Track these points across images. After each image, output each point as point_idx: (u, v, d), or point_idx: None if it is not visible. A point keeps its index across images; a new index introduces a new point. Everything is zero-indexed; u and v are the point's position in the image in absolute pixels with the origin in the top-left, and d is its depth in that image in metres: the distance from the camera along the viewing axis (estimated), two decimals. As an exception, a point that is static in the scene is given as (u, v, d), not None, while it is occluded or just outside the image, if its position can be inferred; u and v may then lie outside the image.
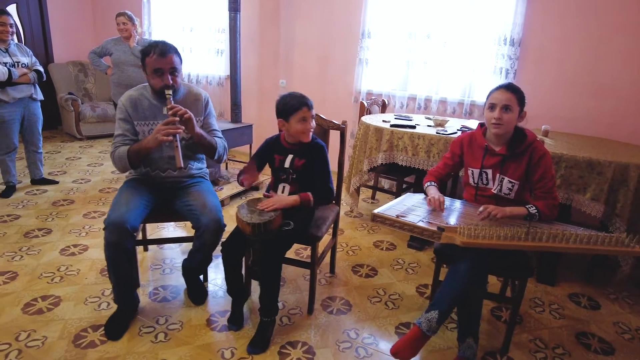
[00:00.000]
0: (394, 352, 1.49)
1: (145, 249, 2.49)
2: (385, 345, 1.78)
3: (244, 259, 1.91)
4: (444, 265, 1.97)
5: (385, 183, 3.69)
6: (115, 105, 3.69)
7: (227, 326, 1.85)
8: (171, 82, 1.77)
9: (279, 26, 4.18)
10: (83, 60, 5.41)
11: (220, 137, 1.98)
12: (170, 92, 1.76)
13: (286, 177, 1.85)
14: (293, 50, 4.17)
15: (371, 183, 3.40)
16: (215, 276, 2.25)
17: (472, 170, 1.80)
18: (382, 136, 2.63)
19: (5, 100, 3.00)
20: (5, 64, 2.95)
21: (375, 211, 1.63)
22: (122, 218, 1.67)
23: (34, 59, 3.19)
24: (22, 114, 3.16)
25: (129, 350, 1.68)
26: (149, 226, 2.60)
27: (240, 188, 3.38)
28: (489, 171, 1.74)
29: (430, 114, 3.41)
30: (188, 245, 2.53)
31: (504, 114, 1.64)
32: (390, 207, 1.69)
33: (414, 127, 2.63)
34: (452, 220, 1.62)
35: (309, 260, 2.08)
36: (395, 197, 2.99)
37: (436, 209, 1.67)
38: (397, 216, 1.58)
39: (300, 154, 1.82)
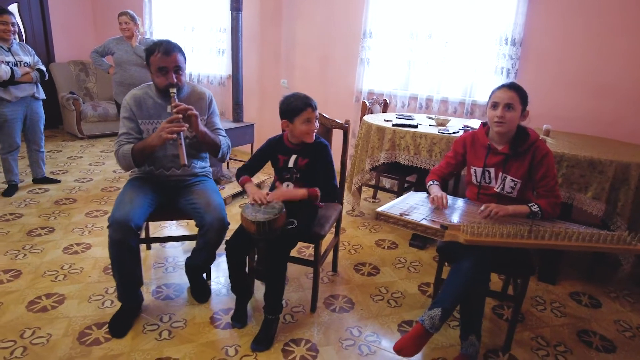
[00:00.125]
0: (397, 349, 1.50)
1: (148, 248, 2.50)
2: (388, 343, 1.79)
3: (247, 257, 1.91)
4: (446, 264, 1.98)
5: (386, 182, 3.70)
6: (117, 104, 3.70)
7: (230, 324, 1.86)
8: (175, 80, 1.78)
9: (281, 26, 4.19)
10: (84, 60, 5.41)
11: (224, 136, 1.99)
12: (175, 90, 1.77)
13: (290, 177, 1.86)
14: (294, 50, 4.18)
15: (372, 182, 3.41)
16: (218, 274, 2.26)
17: (474, 169, 1.81)
18: (385, 135, 2.64)
19: (8, 99, 3.01)
20: (7, 63, 2.96)
21: (379, 209, 1.64)
22: (127, 216, 1.68)
23: (36, 58, 3.20)
24: (24, 113, 3.17)
25: (134, 348, 1.69)
26: (151, 225, 2.61)
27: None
28: (492, 170, 1.75)
29: (432, 114, 3.42)
30: (190, 244, 2.55)
31: (506, 113, 1.65)
32: (394, 206, 1.70)
33: (416, 126, 2.65)
34: (455, 219, 1.63)
35: (311, 258, 2.09)
36: (397, 196, 3.00)
37: (439, 206, 1.68)
38: (401, 214, 1.59)
39: (304, 153, 1.83)
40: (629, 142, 2.69)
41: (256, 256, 1.98)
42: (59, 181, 3.52)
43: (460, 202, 1.82)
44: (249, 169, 1.92)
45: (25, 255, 2.34)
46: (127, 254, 1.72)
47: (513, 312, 1.76)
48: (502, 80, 3.16)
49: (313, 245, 1.96)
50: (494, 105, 1.69)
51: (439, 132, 2.50)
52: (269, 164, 1.96)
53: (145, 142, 1.76)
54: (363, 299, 2.12)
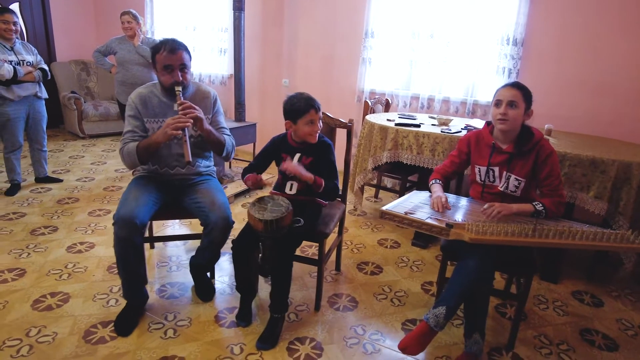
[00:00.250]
0: (402, 347, 1.51)
1: (152, 247, 2.50)
2: (392, 341, 1.80)
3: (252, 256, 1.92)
4: (448, 263, 1.99)
5: (388, 182, 3.71)
6: (119, 103, 3.70)
7: (235, 322, 1.87)
8: (181, 78, 1.79)
9: (283, 25, 4.20)
10: (85, 59, 5.42)
11: (229, 135, 2.00)
12: (180, 88, 1.78)
13: (294, 176, 1.86)
14: (296, 50, 4.19)
15: (375, 181, 3.42)
16: (223, 273, 2.27)
17: (479, 168, 1.82)
18: (387, 135, 2.65)
19: (11, 99, 3.01)
20: (10, 62, 2.96)
21: (384, 208, 1.64)
22: (132, 213, 1.69)
23: (38, 57, 3.20)
24: (27, 112, 3.17)
25: (139, 346, 1.69)
26: (154, 224, 2.62)
27: (245, 186, 3.40)
28: (496, 169, 1.76)
29: (433, 113, 3.44)
30: (193, 243, 2.55)
31: (509, 110, 1.67)
32: (398, 205, 1.70)
33: (418, 125, 2.65)
34: (459, 217, 1.64)
35: (315, 257, 2.10)
36: (399, 196, 3.02)
37: (440, 210, 1.68)
38: (406, 213, 1.60)
39: (308, 152, 1.84)
40: (630, 142, 2.71)
41: (260, 254, 1.99)
42: (61, 180, 3.53)
43: (464, 201, 1.83)
44: (254, 169, 1.93)
45: (29, 254, 2.34)
46: (131, 251, 1.72)
47: (516, 311, 1.77)
48: (504, 80, 3.17)
49: (316, 244, 1.97)
50: (498, 103, 1.70)
51: (441, 132, 2.51)
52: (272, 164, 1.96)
53: (150, 139, 1.77)
54: (367, 298, 2.12)
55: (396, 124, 2.66)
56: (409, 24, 3.49)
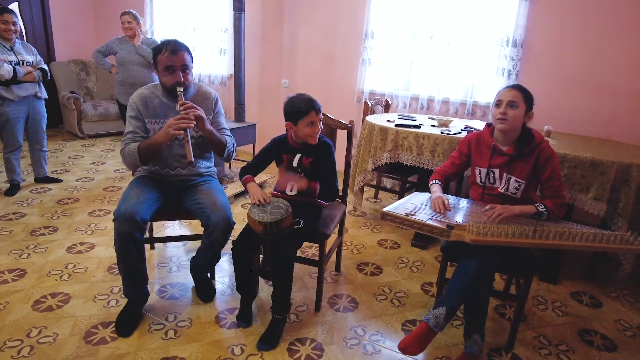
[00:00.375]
0: (402, 347, 1.52)
1: (152, 247, 2.50)
2: (392, 342, 1.81)
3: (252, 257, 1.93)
4: (448, 264, 2.00)
5: (387, 182, 3.72)
6: (118, 103, 3.70)
7: (236, 323, 1.87)
8: (182, 79, 1.79)
9: (283, 26, 4.20)
10: (85, 59, 5.41)
11: (230, 136, 2.00)
12: (182, 89, 1.78)
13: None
14: (296, 50, 4.19)
15: (374, 182, 3.42)
16: (223, 274, 2.27)
17: (479, 170, 1.83)
18: (387, 136, 2.66)
19: (10, 99, 3.01)
20: (10, 62, 2.95)
21: (385, 209, 1.65)
22: (133, 209, 1.69)
23: (38, 57, 3.20)
24: (26, 112, 3.17)
25: (140, 347, 1.70)
26: (154, 225, 2.62)
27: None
28: (496, 170, 1.77)
29: (433, 114, 3.44)
30: (193, 244, 2.56)
31: (509, 110, 1.68)
32: (399, 206, 1.71)
33: (418, 126, 2.66)
34: (460, 219, 1.65)
35: (315, 258, 2.10)
36: (399, 196, 3.03)
37: (440, 211, 1.69)
38: (407, 214, 1.60)
39: (308, 153, 1.85)
40: (630, 143, 2.72)
41: (261, 256, 1.99)
42: (60, 180, 3.53)
43: (464, 203, 1.84)
44: (253, 168, 1.93)
45: (29, 254, 2.34)
46: (132, 247, 1.72)
47: (516, 312, 1.78)
48: (503, 81, 3.19)
49: (317, 244, 1.98)
50: (498, 104, 1.72)
51: (441, 133, 2.52)
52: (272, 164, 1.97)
53: (152, 139, 1.77)
54: (367, 299, 2.13)
55: (396, 125, 2.67)
56: (409, 24, 3.50)
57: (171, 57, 1.76)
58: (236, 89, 3.75)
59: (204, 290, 2.05)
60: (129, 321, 1.80)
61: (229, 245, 1.89)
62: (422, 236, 2.67)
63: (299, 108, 1.75)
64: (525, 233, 1.49)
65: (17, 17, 3.05)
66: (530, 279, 1.73)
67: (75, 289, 2.05)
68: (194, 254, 2.02)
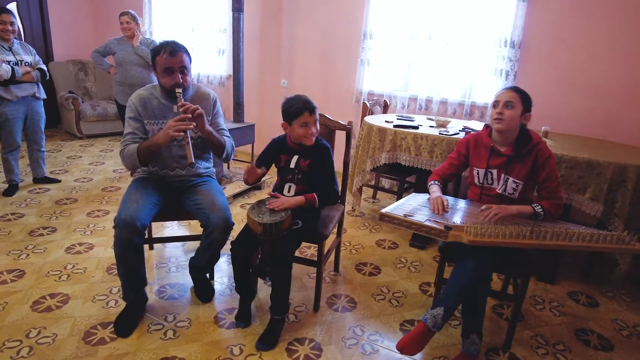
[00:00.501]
0: (400, 347, 1.53)
1: (151, 248, 2.51)
2: (391, 342, 1.82)
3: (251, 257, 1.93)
4: (446, 264, 2.01)
5: (385, 183, 3.73)
6: (117, 104, 3.70)
7: (235, 323, 1.88)
8: (181, 80, 1.80)
9: (281, 26, 4.20)
10: (83, 59, 5.40)
11: (228, 136, 2.01)
12: (180, 90, 1.78)
13: (292, 177, 1.88)
14: (295, 51, 4.20)
15: (372, 183, 3.43)
16: (222, 274, 2.28)
17: (477, 170, 1.84)
18: (386, 136, 2.67)
19: (9, 99, 3.00)
20: (8, 62, 2.95)
21: (383, 210, 1.66)
22: (133, 215, 1.70)
23: (37, 57, 3.20)
24: (25, 112, 3.17)
25: (139, 347, 1.70)
26: (153, 225, 2.62)
27: (243, 187, 3.42)
28: (494, 171, 1.78)
29: (431, 115, 3.45)
30: (192, 244, 2.56)
31: (505, 110, 1.70)
32: (397, 207, 1.72)
33: (417, 127, 2.67)
34: (458, 220, 1.66)
35: (313, 258, 2.11)
36: (397, 197, 3.04)
37: (439, 212, 1.70)
38: (405, 215, 1.61)
39: (306, 154, 1.85)
40: (626, 144, 2.73)
41: (260, 255, 2.00)
42: (59, 181, 3.52)
43: (462, 203, 1.85)
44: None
45: (28, 255, 2.34)
46: (132, 252, 1.73)
47: (513, 312, 1.79)
48: (501, 81, 3.20)
49: (315, 245, 1.98)
50: (495, 104, 1.75)
51: (439, 134, 2.53)
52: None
53: (151, 140, 1.78)
54: (365, 299, 2.14)
55: (394, 126, 2.68)
56: (408, 25, 3.50)
57: (170, 58, 1.76)
58: (235, 90, 3.75)
59: (203, 290, 2.05)
60: (127, 322, 1.81)
61: (227, 246, 1.89)
62: (421, 236, 2.68)
63: (294, 109, 1.76)
64: (523, 234, 1.50)
65: (15, 17, 3.05)
66: (528, 279, 1.74)
67: (74, 290, 2.05)
68: (193, 254, 2.03)
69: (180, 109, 1.74)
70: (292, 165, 1.86)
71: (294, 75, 4.27)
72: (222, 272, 2.30)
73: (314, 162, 1.85)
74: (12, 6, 4.88)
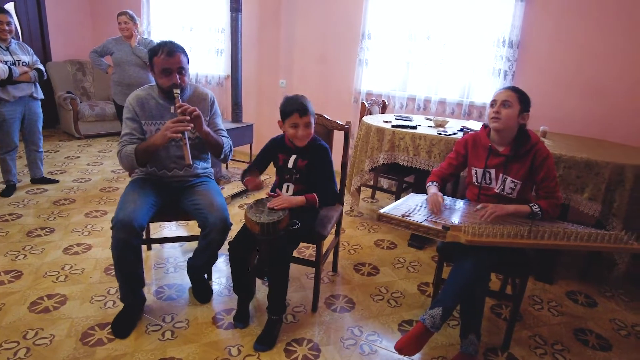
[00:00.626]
0: (398, 348, 1.52)
1: (149, 248, 2.50)
2: (389, 342, 1.82)
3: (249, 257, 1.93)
4: (444, 264, 2.01)
5: (384, 182, 3.72)
6: (115, 104, 3.69)
7: (233, 324, 1.87)
8: (179, 81, 1.79)
9: (279, 26, 4.20)
10: (81, 59, 5.39)
11: (226, 137, 2.01)
12: (178, 91, 1.78)
13: (290, 177, 1.88)
14: (293, 51, 4.19)
15: (371, 183, 3.43)
16: (220, 274, 2.28)
17: (475, 170, 1.84)
18: (384, 136, 2.67)
19: (6, 99, 2.99)
20: (6, 62, 2.94)
21: (381, 211, 1.66)
22: (131, 216, 1.69)
23: (34, 57, 3.19)
24: (22, 112, 3.16)
25: (137, 348, 1.70)
26: (151, 225, 2.62)
27: (241, 187, 3.41)
28: (492, 171, 1.78)
29: (430, 115, 3.45)
30: (190, 244, 2.56)
31: (502, 109, 1.71)
32: (395, 207, 1.72)
33: (415, 127, 2.67)
34: (456, 219, 1.66)
35: (312, 259, 2.11)
36: (395, 197, 3.04)
37: (435, 210, 1.70)
38: (403, 216, 1.61)
39: (304, 154, 1.85)
40: (624, 144, 2.74)
41: (257, 256, 1.99)
42: (57, 181, 3.51)
43: (460, 203, 1.85)
44: (253, 169, 1.93)
45: (25, 255, 2.33)
46: (130, 253, 1.73)
47: (511, 312, 1.79)
48: (500, 81, 3.20)
49: (314, 245, 1.98)
50: (493, 104, 1.76)
51: (437, 134, 2.53)
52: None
53: (149, 141, 1.77)
54: (363, 299, 2.14)
55: (393, 126, 2.68)
56: (406, 25, 3.50)
57: (167, 59, 1.76)
58: (233, 90, 3.75)
59: (201, 291, 2.05)
60: (125, 323, 1.80)
61: (226, 246, 1.89)
62: (419, 236, 2.68)
63: (287, 109, 1.76)
64: (521, 233, 1.50)
65: (12, 17, 3.04)
66: (526, 279, 1.74)
67: (72, 290, 2.05)
68: (191, 254, 2.02)
69: (178, 110, 1.73)
70: (290, 165, 1.86)
71: (292, 75, 4.27)
72: (220, 273, 2.30)
73: (312, 163, 1.84)
74: (9, 6, 4.87)
